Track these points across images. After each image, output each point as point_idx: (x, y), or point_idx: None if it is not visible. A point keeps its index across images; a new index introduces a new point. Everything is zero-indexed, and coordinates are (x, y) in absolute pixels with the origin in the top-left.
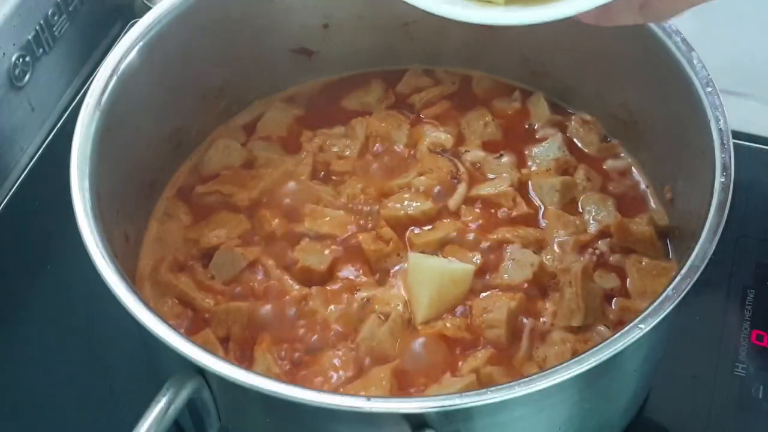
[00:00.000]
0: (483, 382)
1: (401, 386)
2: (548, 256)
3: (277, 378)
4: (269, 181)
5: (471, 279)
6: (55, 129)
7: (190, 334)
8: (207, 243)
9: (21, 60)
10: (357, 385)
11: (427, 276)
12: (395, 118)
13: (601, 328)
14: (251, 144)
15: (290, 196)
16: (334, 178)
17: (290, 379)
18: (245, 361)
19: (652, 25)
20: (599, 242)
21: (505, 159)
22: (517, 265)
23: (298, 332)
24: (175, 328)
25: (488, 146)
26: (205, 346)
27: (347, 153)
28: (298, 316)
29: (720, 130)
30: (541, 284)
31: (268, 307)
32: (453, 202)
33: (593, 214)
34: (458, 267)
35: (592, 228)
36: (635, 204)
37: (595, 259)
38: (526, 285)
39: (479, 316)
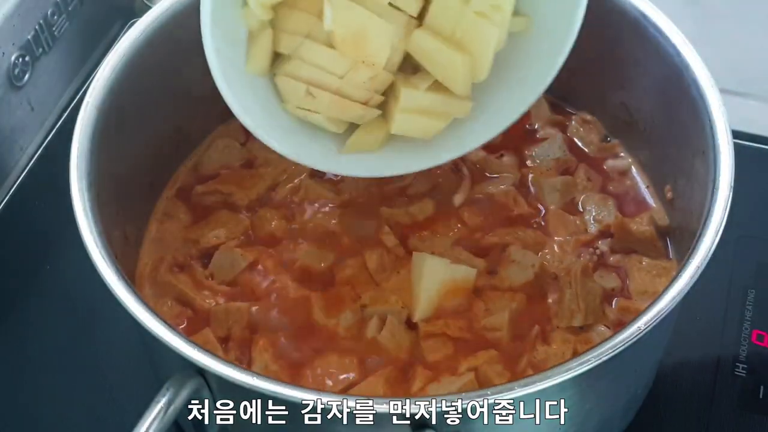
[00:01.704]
0: (482, 382)
1: (400, 386)
2: (548, 257)
3: (277, 378)
4: (269, 180)
5: (473, 281)
6: (55, 129)
7: (190, 334)
8: (207, 243)
9: (20, 60)
10: (355, 390)
11: (429, 275)
12: None
13: (602, 328)
14: (251, 143)
15: (290, 196)
16: (334, 177)
17: (290, 379)
18: (245, 361)
19: (652, 25)
20: (599, 242)
21: (505, 159)
22: (518, 267)
23: (298, 333)
24: (175, 328)
25: (489, 146)
26: (205, 346)
27: None
28: (299, 317)
29: (720, 129)
30: (542, 285)
31: (267, 307)
32: (457, 198)
33: (593, 214)
34: (461, 269)
35: (593, 228)
36: (635, 204)
37: (596, 259)
38: (527, 286)
39: (480, 317)
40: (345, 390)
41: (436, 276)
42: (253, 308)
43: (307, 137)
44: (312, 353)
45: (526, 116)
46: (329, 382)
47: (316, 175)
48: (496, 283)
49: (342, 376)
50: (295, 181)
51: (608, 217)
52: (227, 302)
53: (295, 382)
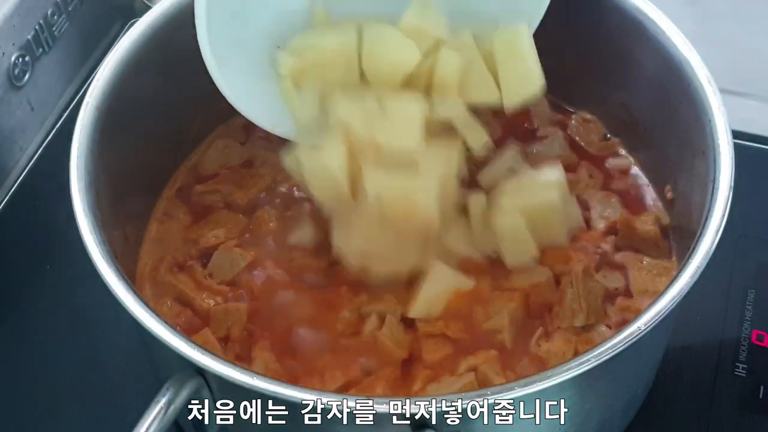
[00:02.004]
0: (482, 382)
1: (401, 386)
2: None
3: (277, 378)
4: (268, 180)
5: (471, 288)
6: (55, 129)
7: (189, 334)
8: (206, 243)
9: (20, 60)
10: (355, 390)
11: (433, 280)
12: None
13: (603, 328)
14: (251, 143)
15: (289, 196)
16: None
17: (290, 379)
18: (245, 361)
19: (652, 25)
20: (603, 240)
21: None
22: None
23: (297, 333)
24: (175, 328)
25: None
26: (205, 346)
27: None
28: (298, 316)
29: (720, 129)
30: (543, 285)
31: (267, 307)
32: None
33: (599, 210)
34: (466, 282)
35: (600, 225)
36: (636, 203)
37: (598, 258)
38: (527, 286)
39: (480, 317)
40: (345, 390)
41: (439, 283)
42: (253, 308)
43: None
44: (312, 353)
45: (526, 116)
46: (329, 382)
47: None
48: (497, 283)
49: (342, 376)
50: (295, 180)
51: (614, 214)
52: (227, 302)
53: (294, 381)
